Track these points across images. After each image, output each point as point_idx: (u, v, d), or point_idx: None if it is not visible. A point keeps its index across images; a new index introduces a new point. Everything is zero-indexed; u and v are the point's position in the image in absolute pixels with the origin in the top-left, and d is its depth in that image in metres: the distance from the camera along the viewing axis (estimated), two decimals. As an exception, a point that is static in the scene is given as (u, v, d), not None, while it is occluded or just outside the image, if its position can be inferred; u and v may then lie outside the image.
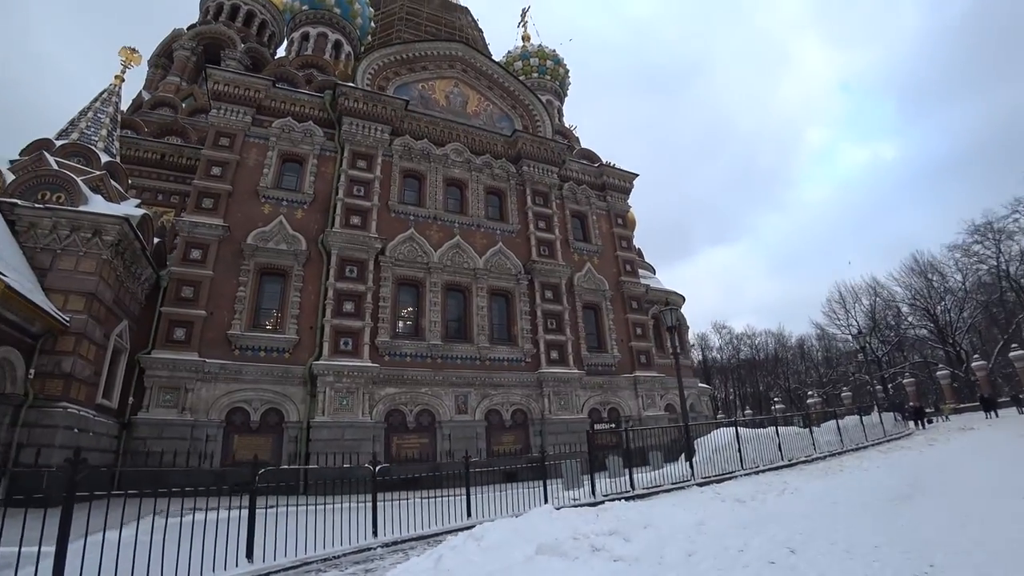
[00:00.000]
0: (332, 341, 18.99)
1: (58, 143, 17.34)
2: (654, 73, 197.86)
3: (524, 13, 47.03)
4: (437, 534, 7.95)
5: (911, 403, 43.25)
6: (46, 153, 16.32)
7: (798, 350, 78.36)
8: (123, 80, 20.70)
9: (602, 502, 9.89)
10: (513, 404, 21.92)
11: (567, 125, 37.67)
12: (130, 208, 16.96)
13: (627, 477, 12.66)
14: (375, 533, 8.00)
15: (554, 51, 42.32)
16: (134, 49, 21.14)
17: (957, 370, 49.38)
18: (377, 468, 8.45)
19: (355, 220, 21.21)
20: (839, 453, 19.16)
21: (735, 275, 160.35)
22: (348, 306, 19.72)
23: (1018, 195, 44.74)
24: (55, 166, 15.86)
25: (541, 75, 41.20)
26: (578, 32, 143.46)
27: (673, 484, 12.93)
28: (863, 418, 24.32)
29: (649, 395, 25.85)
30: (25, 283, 12.31)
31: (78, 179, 15.68)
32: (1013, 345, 42.47)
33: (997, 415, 33.36)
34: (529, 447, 21.01)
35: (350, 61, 32.63)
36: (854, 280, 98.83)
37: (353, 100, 23.05)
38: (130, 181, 22.00)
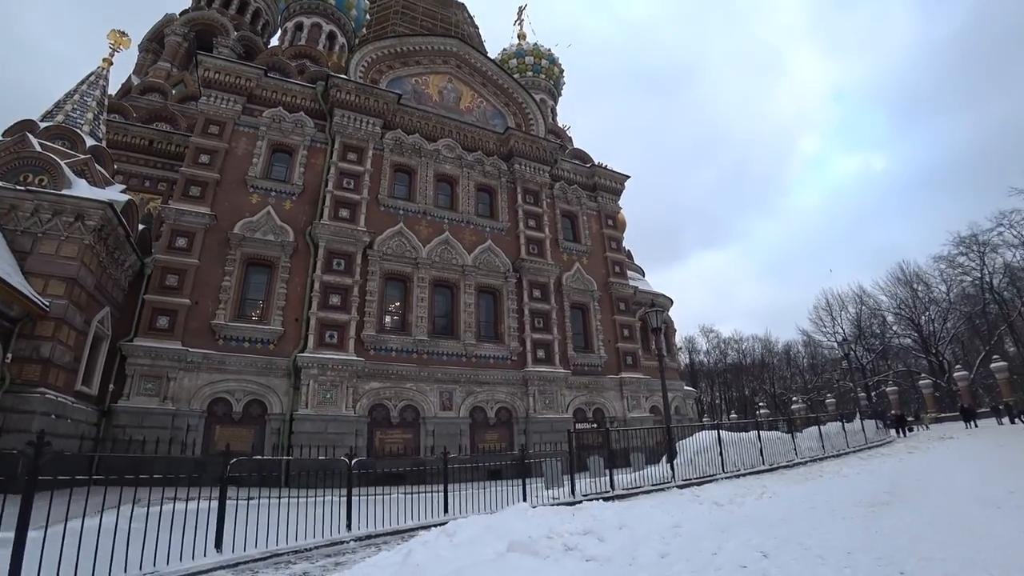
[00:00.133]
0: (317, 334, 18.86)
1: (42, 125, 17.05)
2: (649, 75, 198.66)
3: (521, 11, 47.00)
4: (412, 529, 7.91)
5: (893, 411, 43.73)
6: (29, 135, 16.05)
7: (784, 356, 79.08)
8: (111, 63, 20.44)
9: (580, 502, 9.89)
10: (498, 402, 21.91)
11: (560, 125, 37.70)
12: (115, 193, 16.73)
13: (608, 477, 12.67)
14: (349, 527, 7.95)
15: (549, 50, 42.33)
16: (123, 32, 20.87)
17: (939, 380, 50.07)
18: (353, 462, 8.37)
19: (344, 213, 21.07)
20: (820, 459, 19.30)
21: (725, 280, 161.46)
22: (334, 299, 19.60)
23: (1003, 209, 45.36)
24: (38, 148, 15.62)
25: (536, 74, 41.19)
26: (574, 32, 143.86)
27: (653, 485, 12.96)
28: (845, 425, 24.51)
29: (634, 396, 25.94)
30: (4, 266, 12.12)
31: (62, 162, 15.45)
32: (995, 356, 43.12)
33: (976, 425, 33.80)
34: (513, 445, 20.99)
35: (344, 53, 32.42)
36: (841, 288, 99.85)
37: (345, 92, 22.87)
38: (116, 167, 21.73)
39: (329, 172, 21.69)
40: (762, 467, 16.60)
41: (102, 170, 17.37)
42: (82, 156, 16.68)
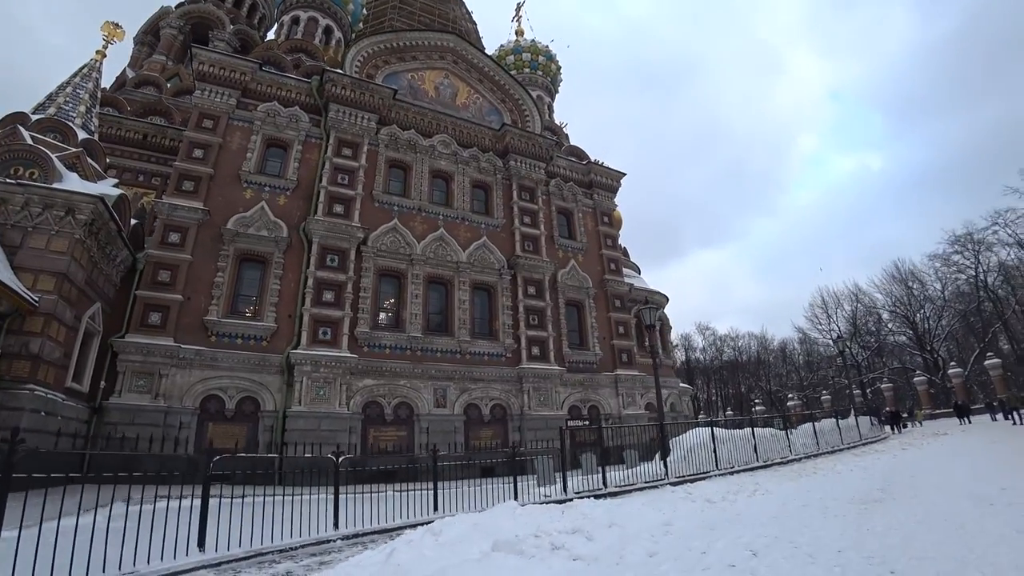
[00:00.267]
0: (311, 330, 18.77)
1: (34, 117, 16.86)
2: (648, 72, 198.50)
3: (519, 8, 46.81)
4: (400, 528, 7.84)
5: (887, 408, 43.87)
6: (21, 127, 15.86)
7: (780, 353, 79.27)
8: (105, 56, 20.21)
9: (571, 499, 9.84)
10: (492, 399, 21.85)
11: (557, 122, 37.60)
12: (107, 187, 16.55)
13: (600, 475, 12.63)
14: (336, 525, 7.89)
15: (547, 47, 42.18)
16: (117, 24, 20.65)
17: (934, 377, 50.27)
18: (340, 460, 8.30)
19: (338, 209, 20.94)
20: (814, 455, 19.35)
21: (722, 277, 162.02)
22: (328, 295, 19.50)
23: (998, 208, 45.50)
24: (29, 141, 15.44)
25: (533, 70, 41.05)
26: (573, 28, 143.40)
27: (646, 483, 12.94)
28: (839, 421, 24.60)
29: (630, 394, 25.92)
30: (-8, 261, 11.99)
31: (53, 155, 15.29)
32: (989, 354, 43.32)
33: (970, 421, 33.91)
34: (508, 442, 20.93)
35: (340, 47, 32.21)
36: (837, 286, 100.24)
37: (341, 87, 22.72)
38: (110, 161, 21.53)
39: (324, 167, 21.55)
40: (756, 464, 16.63)
41: (94, 164, 17.18)
42: (74, 149, 16.49)
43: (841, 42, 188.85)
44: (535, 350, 23.31)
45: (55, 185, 14.46)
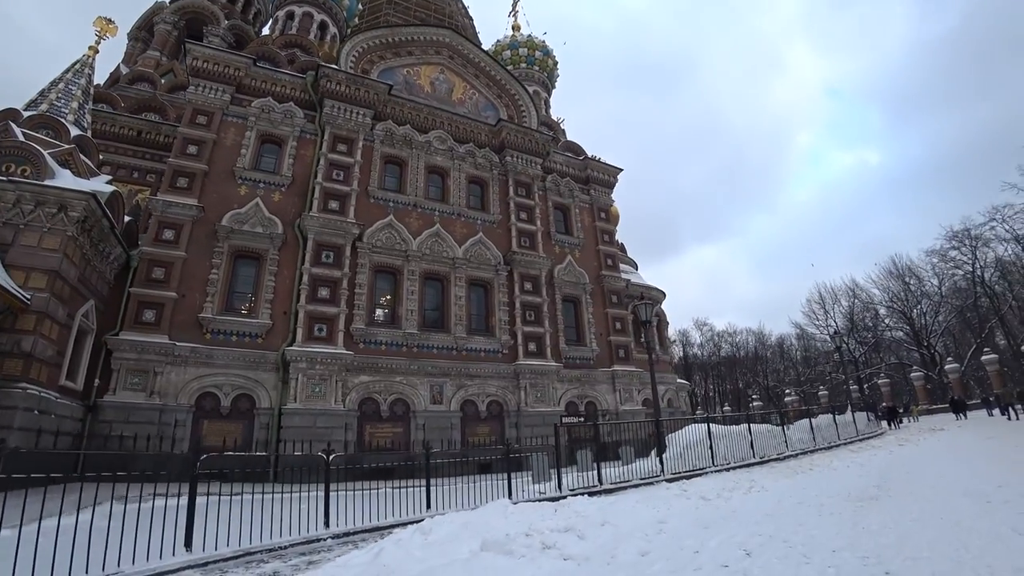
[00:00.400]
0: (306, 327, 18.70)
1: (26, 114, 16.72)
2: (645, 68, 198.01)
3: (515, 3, 46.49)
4: (391, 526, 7.78)
5: (884, 403, 43.96)
6: (12, 124, 15.75)
7: (778, 349, 79.40)
8: (97, 51, 20.07)
9: (565, 497, 9.80)
10: (489, 395, 21.82)
11: (554, 118, 37.46)
12: (99, 184, 16.46)
13: (595, 472, 12.59)
14: (327, 524, 7.83)
15: (543, 42, 41.98)
16: (110, 20, 20.47)
17: (931, 372, 50.39)
18: (331, 457, 8.23)
19: (333, 205, 20.84)
20: (810, 451, 19.34)
21: (719, 273, 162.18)
22: (323, 292, 19.42)
23: (996, 203, 45.51)
24: (21, 138, 15.33)
25: (529, 65, 40.85)
26: (570, 24, 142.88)
27: (642, 479, 12.90)
28: (836, 417, 24.59)
29: (627, 389, 25.90)
30: (-18, 259, 11.90)
31: (45, 152, 15.17)
32: (985, 349, 43.42)
33: (966, 417, 34.00)
34: (505, 439, 20.89)
35: (335, 43, 32.04)
36: (834, 281, 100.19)
37: (336, 82, 22.57)
38: (104, 157, 21.45)
39: (319, 163, 21.43)
40: (752, 460, 16.60)
41: (87, 160, 17.07)
42: (66, 146, 16.37)
43: (839, 38, 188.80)
44: (532, 346, 23.27)
45: (47, 182, 14.36)
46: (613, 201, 31.10)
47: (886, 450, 18.66)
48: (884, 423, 32.30)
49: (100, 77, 28.75)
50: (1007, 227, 45.15)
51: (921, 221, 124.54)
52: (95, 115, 21.89)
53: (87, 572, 5.22)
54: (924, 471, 12.29)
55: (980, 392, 46.06)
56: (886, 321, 61.11)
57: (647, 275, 35.44)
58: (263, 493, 8.41)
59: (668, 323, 35.23)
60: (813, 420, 22.65)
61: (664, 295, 33.59)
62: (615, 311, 27.27)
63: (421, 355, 20.86)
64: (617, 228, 32.07)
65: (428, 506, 9.36)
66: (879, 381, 54.02)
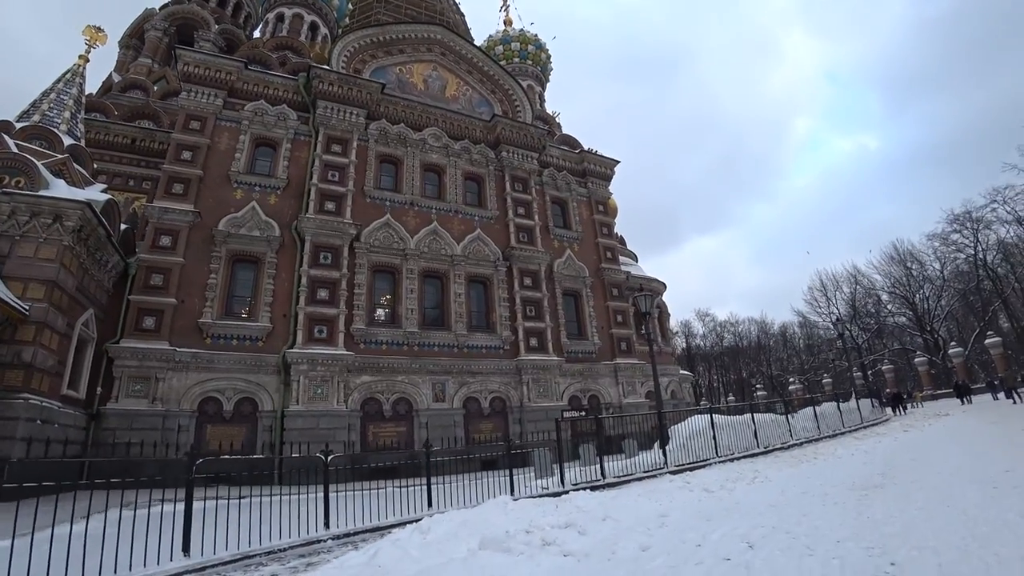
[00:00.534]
0: (306, 329, 18.69)
1: (18, 125, 16.70)
2: (641, 60, 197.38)
3: (507, -3, 46.27)
4: (392, 526, 7.75)
5: (888, 389, 43.85)
6: (5, 136, 15.73)
7: (780, 337, 79.26)
8: (87, 60, 20.02)
9: (567, 492, 9.77)
10: (492, 392, 21.81)
11: (550, 112, 37.33)
12: (94, 193, 16.45)
13: (598, 466, 12.55)
14: (327, 525, 7.81)
15: (536, 36, 41.84)
16: (99, 28, 20.39)
17: (935, 357, 50.20)
18: (328, 458, 8.21)
19: (329, 206, 20.80)
20: (815, 440, 19.26)
21: (720, 263, 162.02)
22: (322, 293, 19.40)
23: (996, 185, 45.23)
24: (14, 149, 15.30)
25: (522, 60, 40.69)
26: (564, 17, 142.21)
27: (645, 472, 12.86)
28: (840, 404, 24.52)
29: (630, 382, 25.88)
30: (-21, 271, 11.89)
31: (38, 163, 15.15)
32: (989, 332, 43.22)
33: (971, 401, 33.88)
34: (508, 435, 20.88)
35: (327, 43, 31.88)
36: (835, 268, 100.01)
37: (328, 83, 22.50)
38: (100, 166, 21.44)
39: (313, 165, 21.39)
40: (756, 450, 16.53)
41: (81, 170, 17.05)
42: (60, 156, 16.36)
43: (836, 22, 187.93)
44: (533, 341, 23.24)
45: (41, 193, 14.35)
46: (611, 193, 31.01)
47: (891, 437, 18.58)
48: (889, 409, 32.20)
49: (92, 86, 28.69)
50: (1008, 208, 44.93)
51: (921, 205, 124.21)
52: (89, 124, 21.87)
53: (81, 579, 5.19)
54: (929, 458, 12.18)
55: (984, 376, 45.87)
56: (889, 307, 60.94)
57: (648, 267, 35.36)
58: (265, 496, 8.43)
59: (670, 315, 35.16)
60: (817, 408, 22.56)
61: (665, 287, 33.51)
62: (616, 304, 27.22)
63: (422, 353, 20.85)
64: (616, 221, 31.97)
65: (429, 504, 9.33)
66: (883, 367, 53.91)
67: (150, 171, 22.90)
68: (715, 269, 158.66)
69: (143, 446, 11.85)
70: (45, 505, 5.73)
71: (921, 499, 7.51)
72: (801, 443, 18.37)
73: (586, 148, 30.71)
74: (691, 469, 13.36)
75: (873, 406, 29.10)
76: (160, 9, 34.26)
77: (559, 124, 34.69)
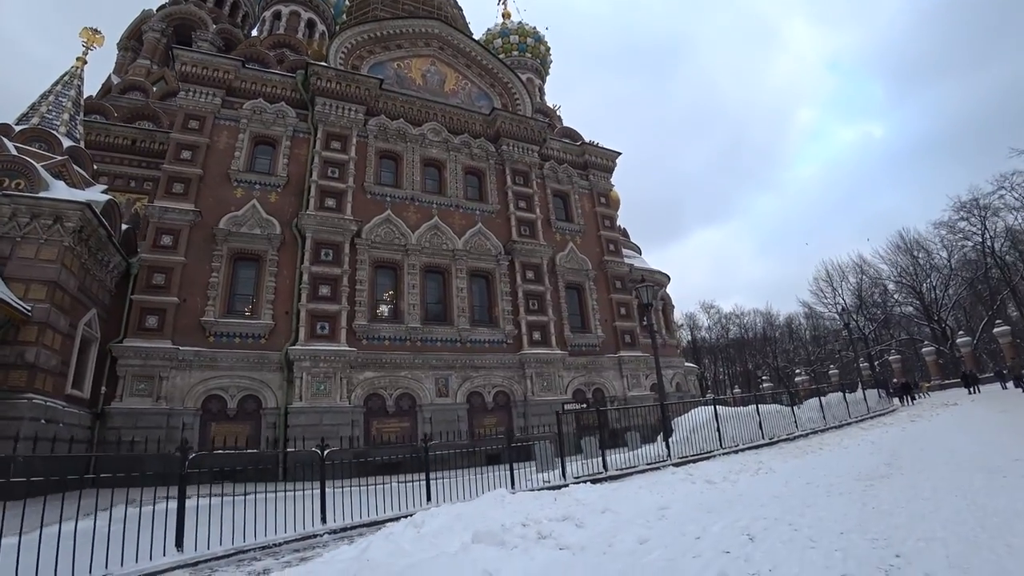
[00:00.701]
0: (308, 326, 18.70)
1: (18, 128, 16.77)
2: (641, 50, 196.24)
3: (505, -11, 45.96)
4: (388, 520, 7.71)
5: (896, 379, 43.55)
6: (4, 138, 15.78)
7: (786, 329, 78.89)
8: (85, 62, 20.06)
9: (568, 485, 9.71)
10: (495, 386, 21.78)
11: (550, 105, 37.16)
12: (94, 194, 16.49)
13: (600, 458, 12.50)
14: (324, 519, 7.80)
15: (535, 28, 41.61)
16: (96, 30, 20.40)
17: (942, 347, 49.79)
18: (325, 453, 8.18)
19: (330, 202, 20.77)
20: (821, 431, 19.17)
21: (726, 255, 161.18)
22: (324, 290, 19.40)
23: (1003, 171, 44.68)
24: (13, 152, 15.35)
25: (521, 53, 40.50)
26: (562, 9, 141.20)
27: (648, 465, 12.80)
28: (846, 395, 24.37)
29: (634, 375, 25.79)
30: (-20, 273, 11.93)
31: (38, 165, 15.20)
32: (997, 321, 42.82)
33: (979, 391, 33.60)
34: (513, 429, 20.90)
35: (324, 40, 31.84)
36: (841, 258, 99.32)
37: (326, 80, 22.42)
38: (100, 168, 21.47)
39: (313, 162, 21.34)
40: (761, 441, 16.46)
41: (81, 171, 17.09)
42: (59, 158, 16.43)
43: (837, 10, 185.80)
44: (536, 335, 23.18)
45: (41, 194, 14.40)
46: (612, 186, 30.84)
47: (898, 427, 18.44)
48: (896, 400, 31.98)
49: (92, 88, 28.77)
50: (1016, 195, 44.42)
51: (928, 194, 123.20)
52: (89, 126, 21.92)
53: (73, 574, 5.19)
54: (937, 447, 12.03)
55: (993, 365, 45.51)
56: (895, 296, 60.52)
57: (651, 260, 35.20)
58: (265, 492, 8.40)
59: (674, 307, 34.99)
60: (823, 399, 22.45)
61: (668, 279, 33.37)
62: (619, 296, 27.10)
63: (425, 348, 20.83)
64: (618, 213, 31.83)
65: (428, 499, 9.32)
66: (890, 358, 53.54)
67: (151, 171, 22.93)
68: (720, 261, 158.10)
69: (147, 444, 11.89)
70: (45, 503, 5.72)
71: (929, 489, 7.39)
72: (807, 434, 18.28)
73: (587, 140, 30.53)
74: (694, 461, 13.29)
75: (880, 396, 28.92)
76: (157, 10, 34.23)
77: (560, 117, 34.49)
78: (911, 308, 58.59)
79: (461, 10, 31.30)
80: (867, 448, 13.46)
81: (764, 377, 65.19)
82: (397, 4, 27.72)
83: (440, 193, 24.17)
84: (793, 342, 78.66)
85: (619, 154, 30.82)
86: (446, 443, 12.64)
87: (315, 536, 7.25)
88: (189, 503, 6.78)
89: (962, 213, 49.05)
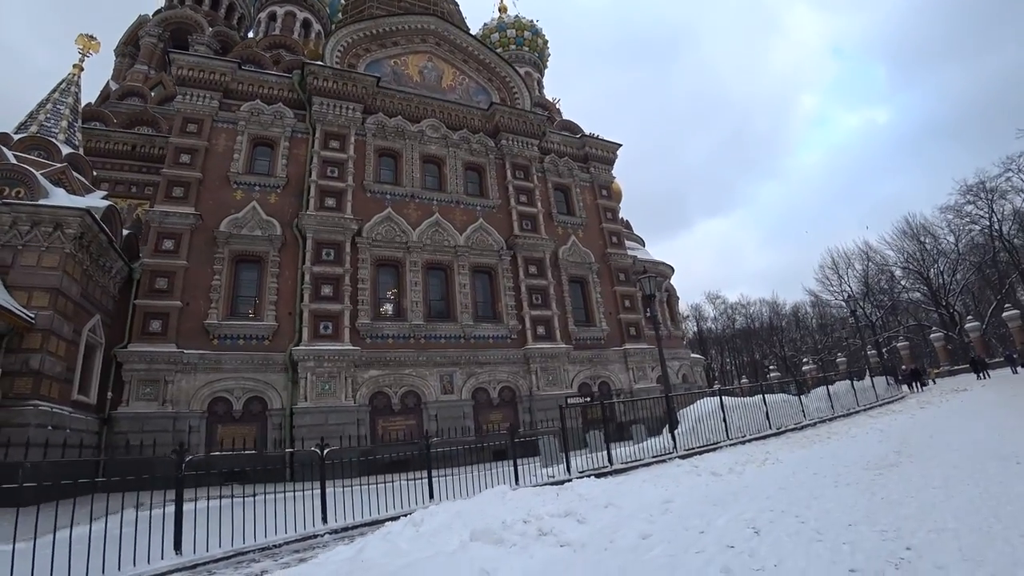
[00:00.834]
0: (311, 326, 18.70)
1: (16, 137, 16.84)
2: (640, 41, 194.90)
3: (501, -17, 45.62)
4: (390, 519, 7.65)
5: (905, 366, 43.20)
6: (3, 147, 15.82)
7: (793, 318, 78.37)
8: (82, 69, 20.02)
9: (571, 479, 9.65)
10: (500, 382, 21.74)
11: (549, 98, 36.90)
12: (94, 200, 16.50)
13: (605, 452, 12.43)
14: (324, 519, 7.77)
15: (532, 22, 41.30)
16: (92, 36, 20.36)
17: (951, 332, 49.30)
18: (324, 452, 8.14)
19: (330, 202, 20.74)
20: (829, 419, 19.03)
21: (730, 245, 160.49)
22: (326, 290, 19.39)
23: (1010, 153, 44.10)
24: (13, 160, 15.40)
25: (519, 46, 40.24)
26: (559, 2, 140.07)
27: (654, 457, 12.73)
28: (854, 383, 24.18)
29: (640, 367, 25.68)
30: (-17, 282, 11.97)
31: (37, 173, 15.23)
32: (1006, 305, 42.30)
33: (988, 376, 33.28)
34: (519, 424, 20.84)
35: (320, 40, 31.75)
36: (847, 245, 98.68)
37: (322, 79, 22.36)
38: (101, 174, 21.56)
39: (312, 162, 21.31)
40: (768, 431, 16.35)
41: (81, 178, 17.13)
42: (58, 165, 16.46)
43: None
44: (540, 329, 23.10)
45: (41, 202, 14.44)
46: (614, 178, 30.66)
47: (907, 414, 18.27)
48: (905, 387, 31.71)
49: (91, 95, 28.88)
50: (1023, 177, 43.82)
51: (933, 178, 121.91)
52: (89, 133, 21.96)
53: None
54: (947, 434, 11.85)
55: (1003, 350, 44.98)
56: (902, 283, 59.84)
57: (656, 252, 35.06)
58: (269, 492, 8.38)
59: (679, 298, 34.81)
60: (831, 387, 22.28)
61: (672, 270, 33.20)
62: (623, 289, 26.96)
63: (429, 346, 20.81)
64: (620, 205, 31.65)
65: (431, 497, 9.27)
66: (898, 344, 53.09)
67: (151, 176, 22.93)
68: (725, 251, 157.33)
69: (155, 447, 11.90)
70: (58, 508, 5.73)
71: (939, 477, 7.25)
72: (814, 423, 18.16)
73: (587, 133, 30.34)
74: (700, 453, 13.21)
75: (888, 384, 28.69)
76: (153, 15, 34.23)
77: (559, 110, 34.31)
78: (918, 294, 57.98)
79: (457, 5, 31.09)
80: (876, 436, 13.33)
81: (771, 367, 64.89)
82: (393, 1, 27.56)
83: (440, 190, 24.09)
84: (800, 331, 78.17)
85: (620, 146, 30.64)
86: (450, 440, 12.59)
87: (316, 536, 7.22)
88: (193, 505, 6.78)
89: (969, 197, 48.46)
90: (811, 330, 76.38)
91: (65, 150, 17.31)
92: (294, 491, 8.97)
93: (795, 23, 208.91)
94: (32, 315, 12.97)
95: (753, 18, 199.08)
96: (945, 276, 54.19)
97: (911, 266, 56.63)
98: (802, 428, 17.28)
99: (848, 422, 18.02)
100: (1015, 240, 48.08)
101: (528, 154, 26.75)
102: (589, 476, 10.23)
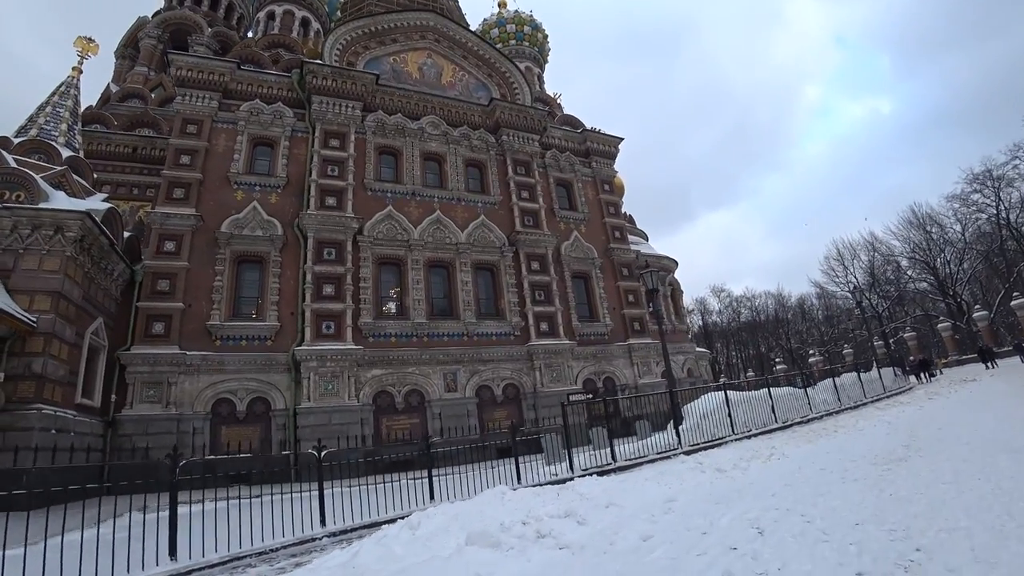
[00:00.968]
0: (314, 326, 18.68)
1: (16, 140, 16.83)
2: (642, 35, 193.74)
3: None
4: (388, 521, 7.58)
5: (912, 356, 42.82)
6: (3, 151, 15.82)
7: (798, 310, 77.87)
8: (81, 72, 20.00)
9: (573, 478, 9.55)
10: (504, 379, 21.68)
11: (551, 93, 36.71)
12: (95, 203, 16.49)
13: (609, 449, 12.33)
14: (323, 522, 7.71)
15: (531, 16, 41.05)
16: (90, 39, 20.36)
17: (959, 322, 48.87)
18: (322, 454, 8.08)
19: (330, 201, 20.68)
20: (835, 412, 18.84)
21: (735, 238, 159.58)
22: (328, 289, 19.36)
23: (1017, 140, 43.55)
24: (13, 164, 15.39)
25: (519, 41, 40.00)
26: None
27: (658, 454, 12.61)
28: (861, 375, 23.96)
29: (644, 362, 25.56)
30: (-16, 286, 11.97)
31: (37, 176, 15.22)
32: (1015, 294, 41.83)
33: (996, 365, 32.93)
34: (523, 421, 20.79)
35: (319, 38, 31.66)
36: (852, 236, 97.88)
37: (321, 78, 22.26)
38: (102, 176, 21.57)
39: (312, 161, 21.25)
40: (775, 425, 16.20)
41: (81, 180, 17.12)
42: (59, 168, 16.46)
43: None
44: (543, 326, 23.01)
45: (41, 205, 14.43)
46: (616, 172, 30.45)
47: (915, 406, 18.05)
48: (912, 377, 31.42)
49: (91, 97, 28.87)
50: (1031, 163, 43.24)
51: (939, 167, 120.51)
52: (90, 136, 21.95)
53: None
54: (956, 426, 11.60)
55: (1011, 339, 44.50)
56: (909, 273, 59.29)
57: (660, 246, 34.94)
58: (261, 496, 8.34)
59: (683, 292, 34.63)
60: (837, 379, 22.09)
61: (676, 264, 33.03)
62: (627, 284, 26.82)
63: (432, 344, 20.76)
64: (623, 199, 31.45)
65: (432, 497, 9.20)
66: (905, 335, 52.69)
67: (153, 178, 22.89)
68: (729, 244, 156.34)
69: (159, 450, 11.89)
70: (51, 514, 5.69)
71: (949, 472, 7.05)
72: (821, 416, 17.98)
73: (589, 127, 30.14)
74: (705, 449, 13.08)
75: (896, 375, 28.43)
76: (153, 16, 34.18)
77: (560, 105, 34.10)
78: (925, 284, 57.43)
79: (456, 1, 30.92)
80: (883, 429, 13.14)
81: (777, 359, 64.49)
82: (391, -2, 27.38)
83: (441, 187, 23.99)
84: (806, 323, 77.69)
85: (621, 140, 30.43)
86: (452, 439, 12.51)
87: (314, 540, 7.15)
88: (190, 508, 6.72)
89: (975, 185, 47.86)
90: (817, 322, 75.90)
91: (65, 153, 17.30)
92: (300, 492, 8.91)
93: (797, 13, 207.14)
94: (34, 319, 12.98)
95: (755, 9, 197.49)
96: (952, 265, 53.70)
97: (917, 256, 56.09)
98: (808, 421, 17.11)
99: (855, 414, 17.83)
100: (1023, 228, 47.54)
101: (529, 150, 26.60)
102: (592, 474, 10.14)
